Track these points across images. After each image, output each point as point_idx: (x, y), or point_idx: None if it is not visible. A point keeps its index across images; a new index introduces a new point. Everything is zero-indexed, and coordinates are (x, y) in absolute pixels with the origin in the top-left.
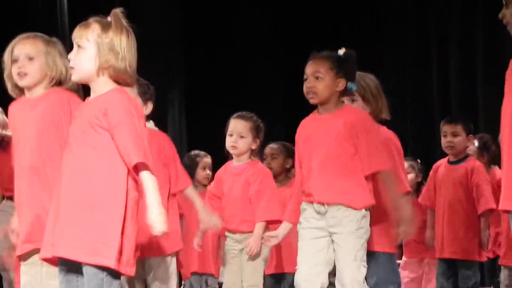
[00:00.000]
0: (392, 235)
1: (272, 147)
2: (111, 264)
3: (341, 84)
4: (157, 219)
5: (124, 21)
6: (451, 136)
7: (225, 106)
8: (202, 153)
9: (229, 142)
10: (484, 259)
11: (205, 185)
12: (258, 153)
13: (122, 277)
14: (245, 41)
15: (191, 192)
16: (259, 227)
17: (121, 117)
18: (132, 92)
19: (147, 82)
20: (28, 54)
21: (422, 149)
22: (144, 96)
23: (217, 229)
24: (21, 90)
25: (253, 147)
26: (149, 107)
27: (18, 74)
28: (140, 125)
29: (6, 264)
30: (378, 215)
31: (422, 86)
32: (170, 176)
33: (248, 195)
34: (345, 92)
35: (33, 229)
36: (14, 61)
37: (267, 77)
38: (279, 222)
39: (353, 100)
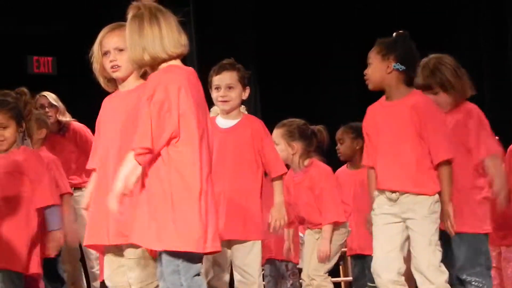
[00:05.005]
0: (478, 215)
1: (338, 132)
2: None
3: (390, 66)
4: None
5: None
6: None
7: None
8: None
9: None
10: None
11: None
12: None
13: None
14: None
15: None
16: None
17: None
18: None
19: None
20: (118, 47)
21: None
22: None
23: None
24: (114, 84)
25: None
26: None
27: (112, 67)
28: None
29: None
30: (462, 195)
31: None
32: None
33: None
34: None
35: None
36: (104, 54)
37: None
38: None
39: (435, 93)
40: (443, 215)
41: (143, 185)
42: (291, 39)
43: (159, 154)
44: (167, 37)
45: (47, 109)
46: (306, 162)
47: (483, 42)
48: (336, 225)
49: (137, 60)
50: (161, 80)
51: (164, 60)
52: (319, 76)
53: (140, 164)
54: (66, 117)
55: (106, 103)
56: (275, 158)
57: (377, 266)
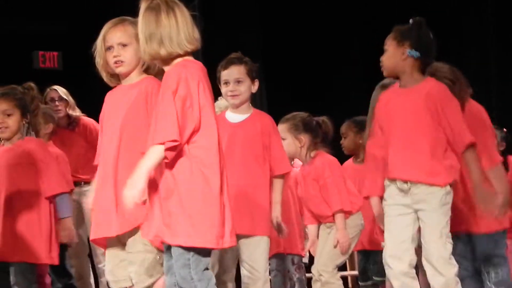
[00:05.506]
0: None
1: (342, 126)
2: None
3: (405, 53)
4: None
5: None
6: None
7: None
8: None
9: None
10: None
11: None
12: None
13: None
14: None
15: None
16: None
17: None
18: None
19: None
20: (121, 42)
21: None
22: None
23: None
24: (117, 78)
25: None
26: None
27: (115, 63)
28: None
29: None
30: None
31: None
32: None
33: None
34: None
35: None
36: (107, 49)
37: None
38: None
39: None
40: (479, 198)
41: (161, 181)
42: (296, 34)
43: (180, 150)
44: (183, 31)
45: (57, 103)
46: (313, 154)
47: (489, 42)
48: (347, 215)
49: (153, 53)
50: (181, 75)
51: (179, 55)
52: (325, 71)
53: (167, 158)
54: (76, 112)
55: (108, 98)
56: (282, 156)
57: (388, 258)
